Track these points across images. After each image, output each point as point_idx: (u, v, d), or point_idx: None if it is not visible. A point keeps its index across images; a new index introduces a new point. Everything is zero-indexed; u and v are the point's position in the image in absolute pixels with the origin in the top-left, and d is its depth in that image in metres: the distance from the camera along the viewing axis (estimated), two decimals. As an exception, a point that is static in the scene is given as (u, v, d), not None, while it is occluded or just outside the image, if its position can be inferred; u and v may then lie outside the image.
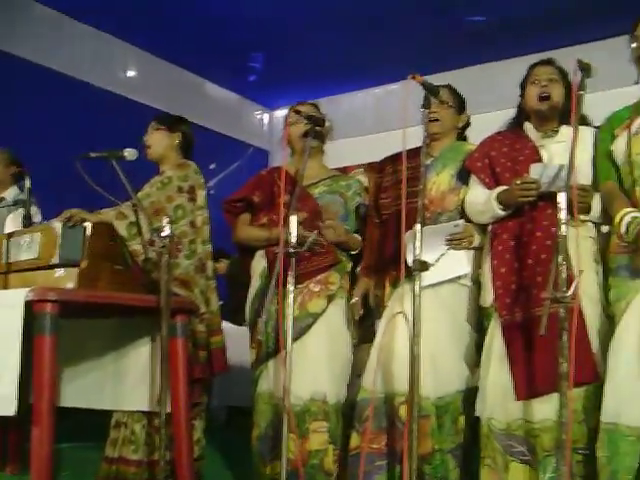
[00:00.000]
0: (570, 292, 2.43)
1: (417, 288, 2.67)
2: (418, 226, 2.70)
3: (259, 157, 8.46)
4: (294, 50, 7.02)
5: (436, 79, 6.05)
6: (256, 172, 3.77)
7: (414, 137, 2.97)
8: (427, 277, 2.91)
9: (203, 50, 7.08)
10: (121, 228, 3.19)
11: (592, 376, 2.80)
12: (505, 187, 3.03)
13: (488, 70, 7.04)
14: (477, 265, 3.20)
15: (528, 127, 3.21)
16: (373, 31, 6.71)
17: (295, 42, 6.89)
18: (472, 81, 6.23)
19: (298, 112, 3.32)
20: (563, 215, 2.47)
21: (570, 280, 2.46)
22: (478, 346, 3.14)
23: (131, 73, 7.35)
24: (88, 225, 3.01)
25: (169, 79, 7.53)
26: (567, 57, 3.03)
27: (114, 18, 6.55)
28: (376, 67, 6.99)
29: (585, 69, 2.70)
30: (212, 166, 7.85)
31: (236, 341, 4.18)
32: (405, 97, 2.73)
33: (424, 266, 2.70)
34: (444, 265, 3.08)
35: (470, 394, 3.10)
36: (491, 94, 6.02)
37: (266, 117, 8.82)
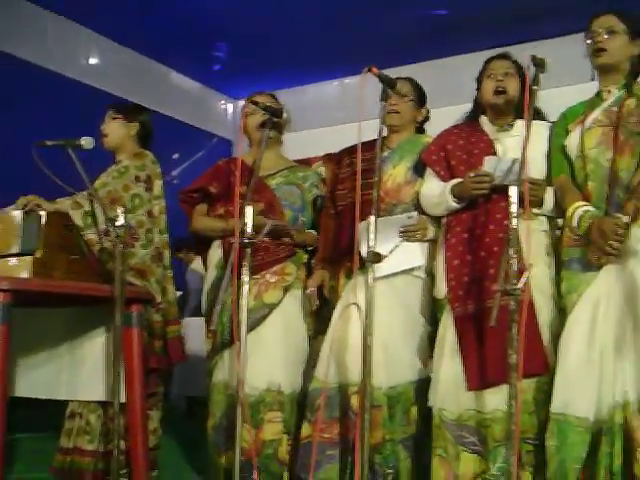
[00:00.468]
0: (520, 284, 2.46)
1: (370, 279, 2.68)
2: (372, 218, 2.71)
3: (223, 147, 8.43)
4: (259, 40, 7.00)
5: (400, 72, 6.07)
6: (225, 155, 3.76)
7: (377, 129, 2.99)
8: (381, 268, 2.94)
9: (168, 39, 7.03)
10: (77, 217, 3.16)
11: (542, 368, 2.84)
12: (460, 180, 3.06)
13: (449, 64, 7.07)
14: (431, 257, 3.23)
15: (484, 121, 3.24)
16: (338, 23, 6.71)
17: (260, 32, 6.87)
18: (435, 74, 6.28)
19: (255, 103, 3.32)
20: (514, 208, 2.51)
21: (521, 273, 2.49)
22: (431, 338, 3.17)
23: (94, 60, 7.27)
24: (43, 214, 2.98)
25: (133, 67, 7.47)
26: (526, 52, 3.06)
27: (77, 3, 6.47)
28: (341, 58, 6.98)
29: (539, 64, 2.73)
30: (175, 155, 7.83)
31: (198, 331, 4.17)
32: (362, 89, 2.75)
33: (377, 257, 2.71)
34: (398, 257, 3.11)
35: (423, 385, 3.12)
36: (453, 88, 6.04)
37: (230, 107, 8.77)
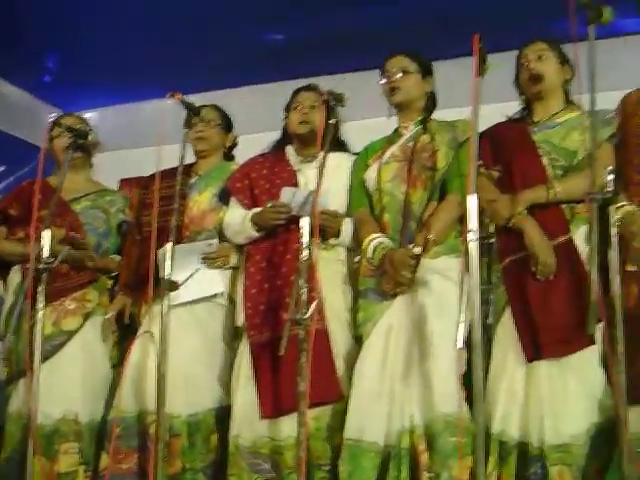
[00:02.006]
0: (308, 314, 2.51)
1: (165, 307, 2.71)
2: (168, 245, 2.73)
3: (52, 161, 8.13)
4: (93, 52, 6.78)
5: (235, 94, 6.00)
6: (49, 176, 3.64)
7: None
8: (180, 296, 2.98)
9: (-6, 45, 6.73)
10: None
11: (335, 395, 2.90)
12: (260, 209, 3.10)
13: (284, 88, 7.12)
14: (233, 284, 3.25)
15: (289, 151, 3.31)
16: (176, 40, 6.60)
17: (94, 44, 6.67)
18: (269, 98, 6.30)
19: (60, 124, 3.25)
20: (305, 239, 2.58)
21: (311, 302, 2.54)
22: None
23: None
24: None
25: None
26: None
27: None
28: (175, 76, 6.90)
29: (337, 99, 2.82)
30: (1, 169, 7.52)
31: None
32: (165, 114, 2.77)
33: (173, 285, 2.72)
34: (198, 283, 3.11)
35: (224, 412, 3.12)
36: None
37: (61, 120, 8.48)
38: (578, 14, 2.43)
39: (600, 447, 2.59)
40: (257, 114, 5.10)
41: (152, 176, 3.47)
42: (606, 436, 2.57)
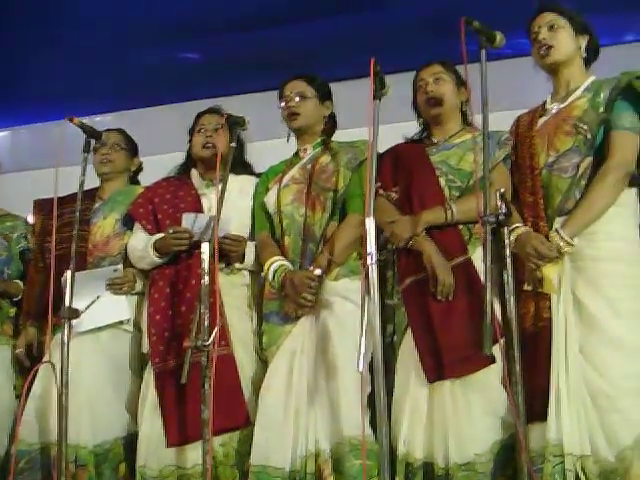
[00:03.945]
0: (210, 340, 2.50)
1: (66, 335, 2.67)
2: (68, 272, 2.70)
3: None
4: (18, 70, 6.67)
5: (145, 114, 5.91)
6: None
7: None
8: (85, 323, 2.96)
9: None
10: None
11: (242, 421, 2.89)
12: (162, 234, 3.07)
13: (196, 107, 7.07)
14: (140, 311, 3.20)
15: (194, 174, 3.30)
16: (85, 62, 6.53)
17: (18, 62, 6.56)
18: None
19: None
20: (206, 265, 2.58)
21: (213, 328, 2.53)
22: (142, 392, 3.14)
23: None
24: None
25: None
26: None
27: None
28: (87, 97, 6.79)
29: (237, 122, 2.83)
30: None
31: None
32: (61, 137, 2.73)
33: (74, 313, 2.68)
34: (103, 310, 3.07)
35: (133, 440, 3.06)
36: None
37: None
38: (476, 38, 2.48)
39: (504, 464, 2.62)
40: (172, 134, 5.08)
41: (59, 199, 3.43)
42: (510, 453, 2.59)
